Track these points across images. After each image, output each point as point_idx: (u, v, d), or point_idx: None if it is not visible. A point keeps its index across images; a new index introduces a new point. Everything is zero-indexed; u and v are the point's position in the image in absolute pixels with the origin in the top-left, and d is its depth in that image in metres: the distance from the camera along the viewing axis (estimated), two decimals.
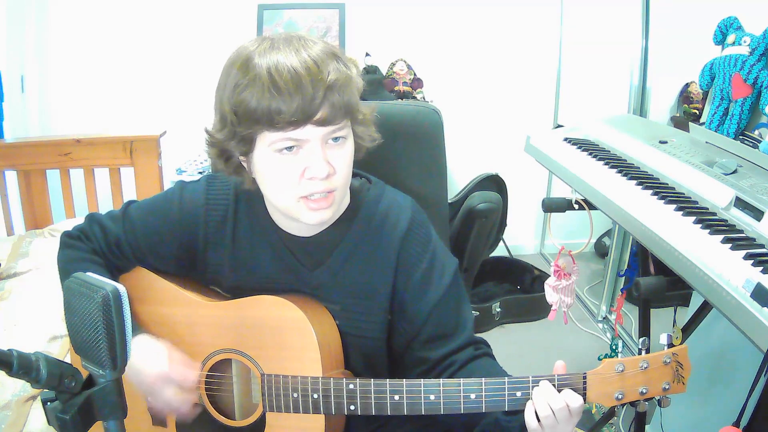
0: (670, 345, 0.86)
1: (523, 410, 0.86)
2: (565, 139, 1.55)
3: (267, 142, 0.89)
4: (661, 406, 0.87)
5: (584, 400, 0.86)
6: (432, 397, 0.89)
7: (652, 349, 0.86)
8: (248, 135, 0.89)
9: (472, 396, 0.88)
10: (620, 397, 0.85)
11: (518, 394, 0.87)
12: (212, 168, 1.00)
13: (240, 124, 0.88)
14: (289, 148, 0.89)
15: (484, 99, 3.15)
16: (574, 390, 0.85)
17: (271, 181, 0.93)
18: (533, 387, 0.86)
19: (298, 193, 0.91)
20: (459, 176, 2.89)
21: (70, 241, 1.10)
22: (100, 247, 1.07)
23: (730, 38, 1.58)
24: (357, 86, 0.92)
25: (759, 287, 0.81)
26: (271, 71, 0.85)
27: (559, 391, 0.85)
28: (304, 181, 0.90)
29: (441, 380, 0.90)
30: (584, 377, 0.86)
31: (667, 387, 0.85)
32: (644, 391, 0.85)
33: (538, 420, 0.85)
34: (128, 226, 1.06)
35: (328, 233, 1.00)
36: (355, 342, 1.03)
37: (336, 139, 0.91)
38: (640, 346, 0.87)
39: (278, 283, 1.03)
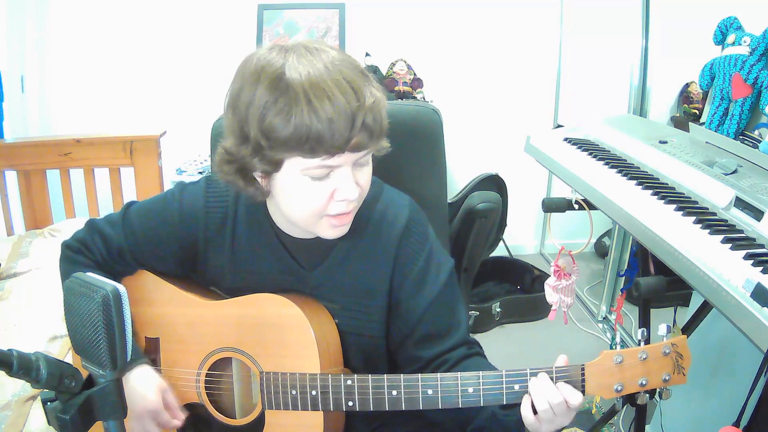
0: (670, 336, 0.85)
1: (520, 404, 0.86)
2: (565, 139, 1.55)
3: (299, 168, 0.86)
4: (661, 398, 0.86)
5: (583, 392, 0.85)
6: (430, 391, 0.89)
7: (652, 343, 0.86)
8: (278, 159, 0.86)
9: (470, 390, 0.88)
10: (620, 388, 0.85)
11: (516, 387, 0.87)
12: (221, 177, 0.95)
13: (271, 148, 0.84)
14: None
15: (484, 99, 3.16)
16: (573, 382, 0.85)
17: (297, 202, 0.90)
18: (531, 379, 0.86)
19: (324, 213, 0.90)
20: (459, 176, 2.89)
21: (71, 255, 1.09)
22: (102, 257, 1.07)
23: (730, 38, 1.58)
24: (386, 104, 0.90)
25: (759, 287, 0.81)
26: (309, 96, 0.80)
27: (556, 383, 0.85)
28: (332, 203, 0.89)
29: (438, 375, 0.90)
30: (582, 369, 0.85)
31: (667, 378, 0.84)
32: (644, 382, 0.84)
33: (535, 413, 0.85)
34: (128, 230, 1.06)
35: None
36: (354, 341, 1.03)
37: (363, 160, 0.90)
38: (639, 337, 0.87)
39: (278, 284, 1.03)
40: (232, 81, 0.89)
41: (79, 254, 1.08)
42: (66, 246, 1.10)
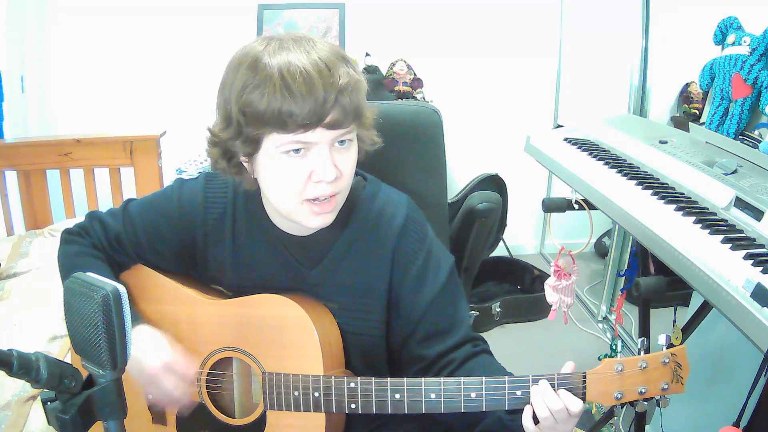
0: (669, 345, 0.86)
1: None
2: (565, 139, 1.55)
3: (275, 144, 0.88)
4: (659, 406, 0.87)
5: (584, 399, 0.86)
6: (433, 396, 0.89)
7: (651, 350, 0.87)
8: (255, 136, 0.88)
9: (473, 395, 0.88)
10: (619, 396, 0.85)
11: (518, 393, 0.87)
12: (212, 167, 0.99)
13: (248, 125, 0.87)
14: (297, 151, 0.88)
15: (484, 99, 3.15)
16: (574, 389, 0.86)
17: (276, 182, 0.92)
18: (532, 386, 0.86)
19: (303, 195, 0.91)
20: (459, 176, 2.89)
21: (70, 237, 1.10)
22: (101, 243, 1.08)
23: (730, 38, 1.58)
24: (365, 89, 0.92)
25: (759, 287, 0.81)
26: (282, 72, 0.84)
27: (557, 390, 0.85)
28: (310, 184, 0.90)
29: (442, 379, 0.90)
30: (584, 376, 0.86)
31: (665, 387, 0.85)
32: (643, 390, 0.85)
33: (537, 422, 0.85)
34: (128, 222, 1.07)
35: (324, 232, 0.99)
36: (354, 340, 1.03)
37: (342, 142, 0.91)
38: (639, 346, 0.87)
39: (278, 281, 1.03)
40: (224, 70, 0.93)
41: (78, 236, 1.09)
42: (66, 231, 1.11)
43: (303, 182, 0.90)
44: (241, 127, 0.88)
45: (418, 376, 0.99)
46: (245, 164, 0.94)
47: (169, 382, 0.97)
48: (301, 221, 0.94)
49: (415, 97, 2.96)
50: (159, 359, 0.97)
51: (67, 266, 1.05)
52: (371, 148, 0.98)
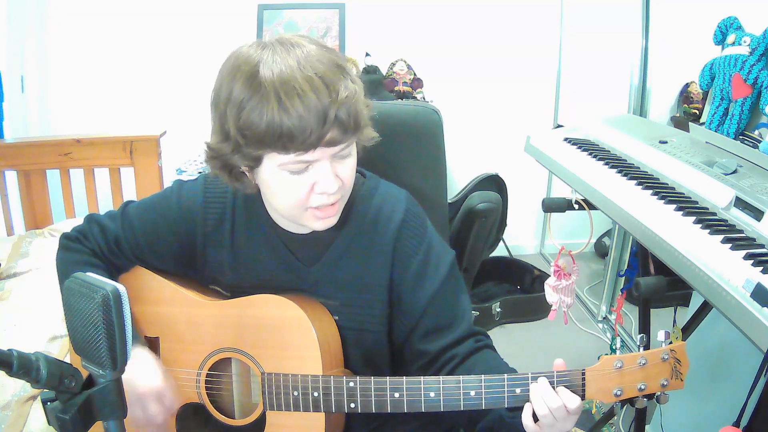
0: (669, 342, 0.86)
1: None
2: (565, 139, 1.55)
3: (276, 162, 0.88)
4: (659, 403, 0.87)
5: (583, 396, 0.86)
6: (432, 394, 0.89)
7: (651, 347, 0.87)
8: (256, 155, 0.88)
9: (472, 393, 0.88)
10: (619, 393, 0.85)
11: (517, 390, 0.87)
12: (212, 174, 0.99)
13: (247, 145, 0.87)
14: (298, 171, 0.88)
15: (484, 99, 3.15)
16: (573, 386, 0.86)
17: (278, 195, 0.92)
18: (531, 384, 0.86)
19: (307, 205, 0.91)
20: (459, 176, 2.89)
21: (68, 243, 1.09)
22: (99, 248, 1.07)
23: (730, 38, 1.58)
24: (362, 98, 0.90)
25: (759, 287, 0.81)
26: (280, 95, 0.82)
27: (556, 387, 0.85)
28: (313, 195, 0.90)
29: (441, 377, 0.90)
30: (583, 374, 0.86)
31: (665, 383, 0.85)
32: (642, 387, 0.85)
33: (536, 420, 0.86)
34: (127, 224, 1.07)
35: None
36: (355, 336, 1.03)
37: (342, 153, 0.91)
38: (638, 343, 0.87)
39: (277, 281, 1.03)
40: (216, 78, 0.90)
41: (76, 242, 1.09)
42: (64, 236, 1.10)
43: (306, 194, 0.90)
44: (241, 146, 0.87)
45: (422, 372, 1.00)
46: (246, 173, 0.94)
47: (153, 408, 0.98)
48: (305, 224, 0.95)
49: (415, 97, 2.96)
50: (152, 384, 0.98)
51: (66, 274, 1.05)
52: (369, 143, 0.98)
